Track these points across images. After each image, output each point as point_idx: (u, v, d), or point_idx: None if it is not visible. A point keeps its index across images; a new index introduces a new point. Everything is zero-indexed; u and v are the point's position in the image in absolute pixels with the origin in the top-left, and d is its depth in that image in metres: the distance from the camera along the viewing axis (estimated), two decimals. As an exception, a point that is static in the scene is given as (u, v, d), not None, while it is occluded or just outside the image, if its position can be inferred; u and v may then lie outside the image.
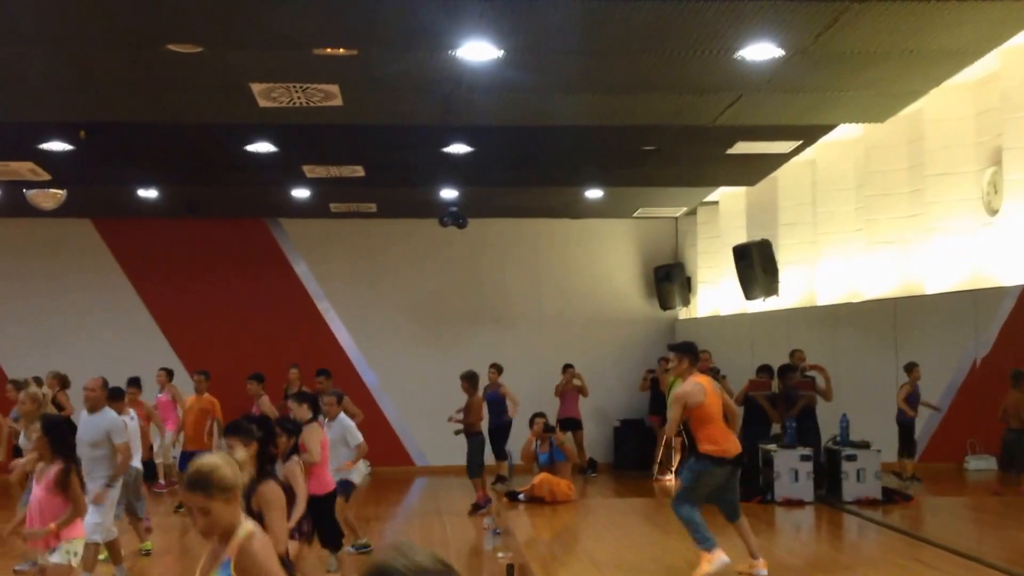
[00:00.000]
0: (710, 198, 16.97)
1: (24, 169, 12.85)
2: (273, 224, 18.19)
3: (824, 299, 14.45)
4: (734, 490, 8.75)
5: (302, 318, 18.08)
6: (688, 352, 8.76)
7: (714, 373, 12.58)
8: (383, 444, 17.62)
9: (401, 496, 16.06)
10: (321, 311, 18.22)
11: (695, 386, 8.53)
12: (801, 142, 12.66)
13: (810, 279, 14.77)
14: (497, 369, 15.33)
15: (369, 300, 18.19)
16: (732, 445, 8.62)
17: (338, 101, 9.96)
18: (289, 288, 18.18)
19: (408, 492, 16.47)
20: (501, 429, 14.88)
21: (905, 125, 12.56)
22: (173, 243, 17.87)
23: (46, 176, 13.19)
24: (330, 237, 18.10)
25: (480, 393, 13.33)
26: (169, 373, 15.01)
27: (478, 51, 8.61)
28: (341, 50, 8.61)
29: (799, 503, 11.96)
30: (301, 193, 15.24)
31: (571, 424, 15.95)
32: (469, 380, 12.96)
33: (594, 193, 15.77)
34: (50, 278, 17.63)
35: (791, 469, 12.07)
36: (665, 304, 18.43)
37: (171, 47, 8.40)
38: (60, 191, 13.90)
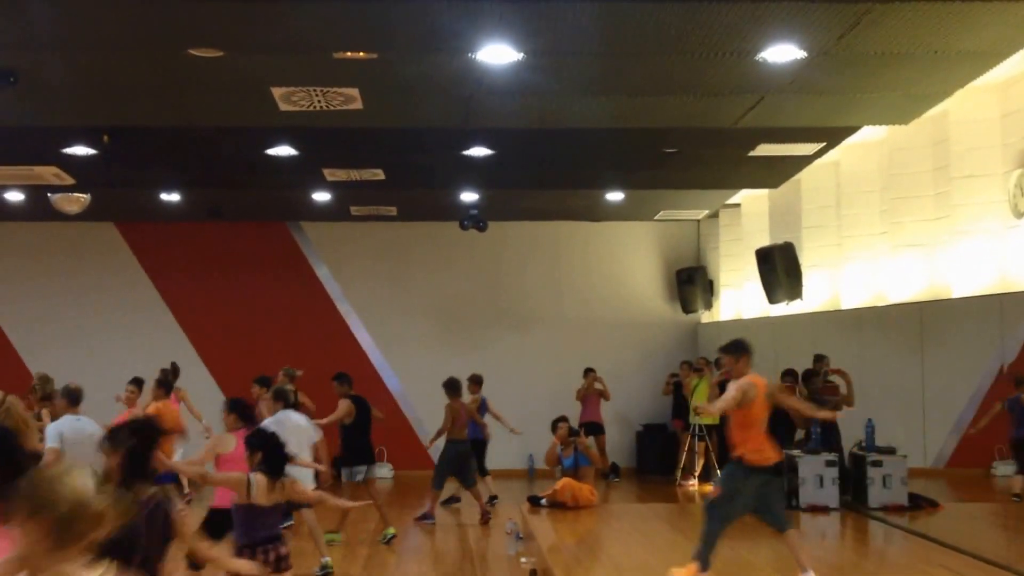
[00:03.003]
0: (732, 200, 16.88)
1: (48, 173, 12.91)
2: (294, 227, 18.23)
3: (848, 303, 14.34)
4: (779, 500, 8.36)
5: (323, 321, 18.11)
6: (739, 351, 8.16)
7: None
8: (405, 447, 17.65)
9: (424, 499, 16.01)
10: (342, 314, 18.25)
11: (751, 385, 7.99)
12: (824, 144, 12.57)
13: (834, 282, 14.66)
14: (475, 382, 15.02)
15: (390, 303, 18.19)
16: (772, 452, 8.23)
17: (358, 104, 9.95)
18: (310, 291, 18.21)
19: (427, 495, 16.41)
20: (478, 443, 14.54)
21: (930, 127, 12.44)
22: (195, 246, 17.93)
23: (70, 180, 13.25)
24: (351, 240, 18.12)
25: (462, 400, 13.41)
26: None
27: (498, 54, 8.58)
28: (361, 54, 8.60)
29: (824, 509, 11.85)
30: (322, 196, 15.26)
31: (593, 428, 15.89)
32: (449, 387, 13.20)
33: (615, 196, 15.72)
34: (74, 281, 17.73)
35: (816, 475, 11.97)
36: (687, 307, 18.35)
37: (193, 52, 8.41)
38: (84, 195, 13.98)
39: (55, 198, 13.94)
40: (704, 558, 7.99)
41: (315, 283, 18.29)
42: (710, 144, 12.24)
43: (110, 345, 17.34)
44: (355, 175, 13.65)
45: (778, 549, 8.60)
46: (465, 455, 13.15)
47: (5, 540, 5.64)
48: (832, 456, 12.12)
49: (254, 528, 6.50)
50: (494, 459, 15.07)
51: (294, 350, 17.08)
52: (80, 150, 11.67)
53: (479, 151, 12.26)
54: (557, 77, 9.31)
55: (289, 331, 17.81)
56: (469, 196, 15.28)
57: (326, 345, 17.67)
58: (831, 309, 14.64)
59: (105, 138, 11.17)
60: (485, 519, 12.92)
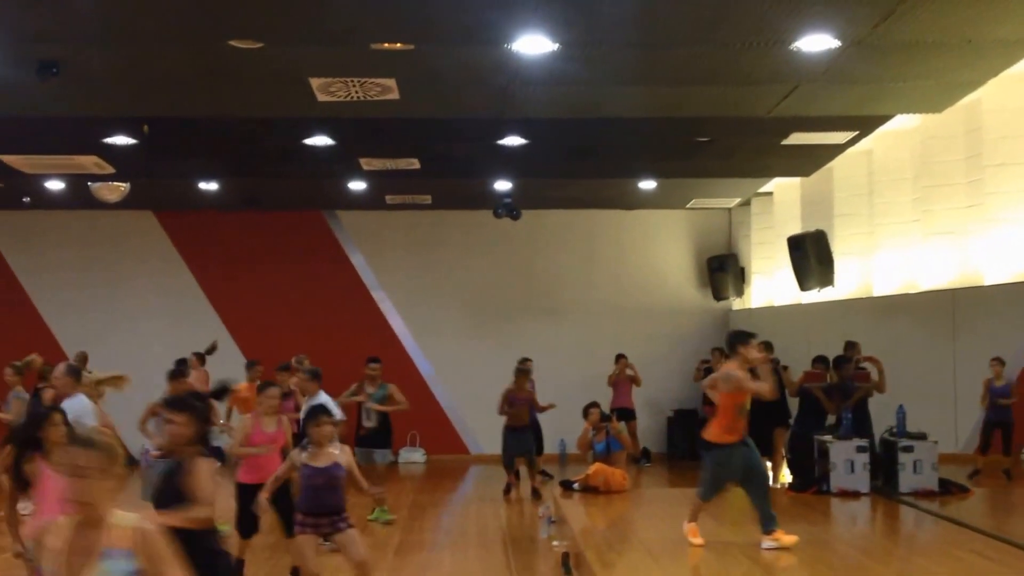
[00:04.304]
0: (764, 189, 16.89)
1: (89, 162, 13.12)
2: (330, 216, 18.41)
3: (880, 290, 14.35)
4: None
5: (357, 308, 18.28)
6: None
7: (774, 364, 12.53)
8: (438, 432, 17.85)
9: (456, 483, 16.21)
10: (376, 301, 18.42)
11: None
12: (857, 133, 12.57)
13: (866, 270, 14.67)
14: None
15: (424, 291, 18.35)
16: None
17: (395, 95, 10.06)
18: (345, 279, 18.39)
19: (463, 480, 16.62)
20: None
21: (963, 115, 12.42)
22: (233, 235, 18.13)
23: (110, 169, 13.45)
24: (386, 229, 18.27)
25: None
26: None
27: (533, 44, 8.66)
28: (398, 45, 8.71)
29: (855, 494, 11.90)
30: (357, 185, 15.41)
31: (624, 414, 15.97)
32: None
33: (648, 184, 15.78)
34: (113, 269, 17.98)
35: (847, 460, 12.01)
36: (718, 295, 18.40)
37: (232, 43, 8.53)
38: (123, 184, 14.19)
39: (95, 187, 14.15)
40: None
41: (350, 271, 18.47)
42: (743, 133, 12.26)
43: (148, 333, 17.58)
44: (391, 164, 13.78)
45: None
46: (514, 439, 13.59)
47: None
48: (863, 441, 12.16)
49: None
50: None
51: (329, 337, 17.30)
52: (120, 140, 11.86)
53: (514, 140, 12.35)
54: (592, 67, 9.36)
55: (324, 318, 17.99)
56: (503, 185, 15.39)
57: (360, 332, 17.84)
58: (863, 296, 14.66)
59: (145, 128, 11.34)
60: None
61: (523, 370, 14.20)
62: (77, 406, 8.43)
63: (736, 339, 8.84)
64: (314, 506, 7.14)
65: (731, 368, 8.68)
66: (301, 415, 9.97)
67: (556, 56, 8.93)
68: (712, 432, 8.80)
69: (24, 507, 7.57)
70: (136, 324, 17.70)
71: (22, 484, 6.30)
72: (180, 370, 11.02)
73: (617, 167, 14.51)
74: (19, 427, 6.70)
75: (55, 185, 14.80)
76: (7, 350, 16.75)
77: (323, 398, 9.98)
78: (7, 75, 9.10)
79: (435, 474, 16.15)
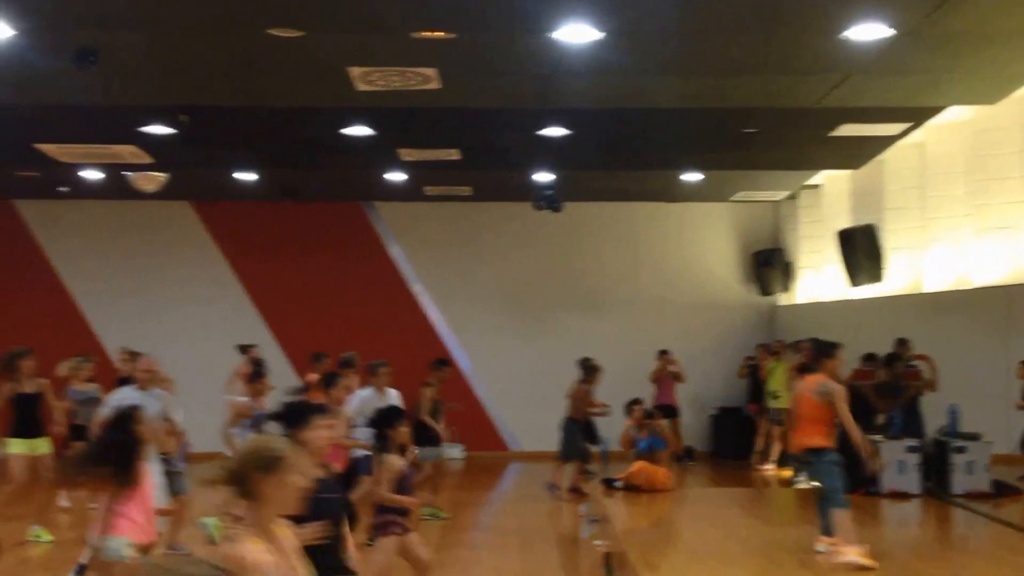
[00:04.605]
0: (812, 181, 16.59)
1: (127, 152, 13.08)
2: (368, 207, 18.28)
3: (932, 286, 14.01)
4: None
5: (395, 301, 18.16)
6: None
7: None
8: (476, 428, 17.68)
9: (495, 481, 16.06)
10: (414, 294, 18.28)
11: None
12: (909, 124, 12.31)
13: (917, 265, 14.33)
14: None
15: (463, 284, 18.19)
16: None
17: (435, 84, 9.93)
18: (383, 271, 18.26)
19: (502, 477, 16.47)
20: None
21: (1018, 107, 12.06)
22: (270, 226, 18.06)
23: (148, 159, 13.40)
24: (424, 220, 18.13)
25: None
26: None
27: (577, 33, 8.50)
28: (440, 33, 8.56)
29: (905, 495, 11.63)
30: (396, 176, 15.27)
31: (667, 411, 15.74)
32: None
33: (692, 176, 15.52)
34: (150, 259, 17.95)
35: (897, 460, 11.74)
36: (764, 290, 18.10)
37: (271, 31, 8.43)
38: (161, 174, 14.15)
39: (133, 177, 14.13)
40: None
41: (388, 263, 18.35)
42: (791, 124, 12.04)
43: (185, 323, 17.56)
44: (430, 155, 13.64)
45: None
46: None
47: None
48: (914, 441, 11.89)
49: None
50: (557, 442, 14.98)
51: (366, 330, 17.18)
52: (158, 129, 11.78)
53: (555, 131, 12.16)
54: (636, 56, 9.22)
55: (362, 311, 17.88)
56: (544, 176, 15.19)
57: (398, 325, 17.72)
58: (913, 292, 14.32)
59: (183, 118, 11.26)
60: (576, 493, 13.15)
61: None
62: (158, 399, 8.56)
63: (822, 352, 8.76)
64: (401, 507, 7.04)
65: (824, 380, 8.69)
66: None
67: (600, 45, 8.79)
68: (816, 439, 8.61)
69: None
70: (172, 315, 17.66)
71: (125, 480, 6.40)
72: (259, 372, 10.97)
73: (661, 159, 14.29)
74: (115, 424, 6.73)
75: (92, 175, 14.78)
76: (44, 340, 16.84)
77: (396, 398, 10.05)
78: (45, 64, 9.05)
79: (474, 471, 16.00)
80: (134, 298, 17.76)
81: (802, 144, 13.17)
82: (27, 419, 10.40)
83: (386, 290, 18.19)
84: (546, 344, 17.76)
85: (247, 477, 3.43)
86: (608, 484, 12.32)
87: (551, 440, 13.99)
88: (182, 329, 17.34)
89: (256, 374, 10.66)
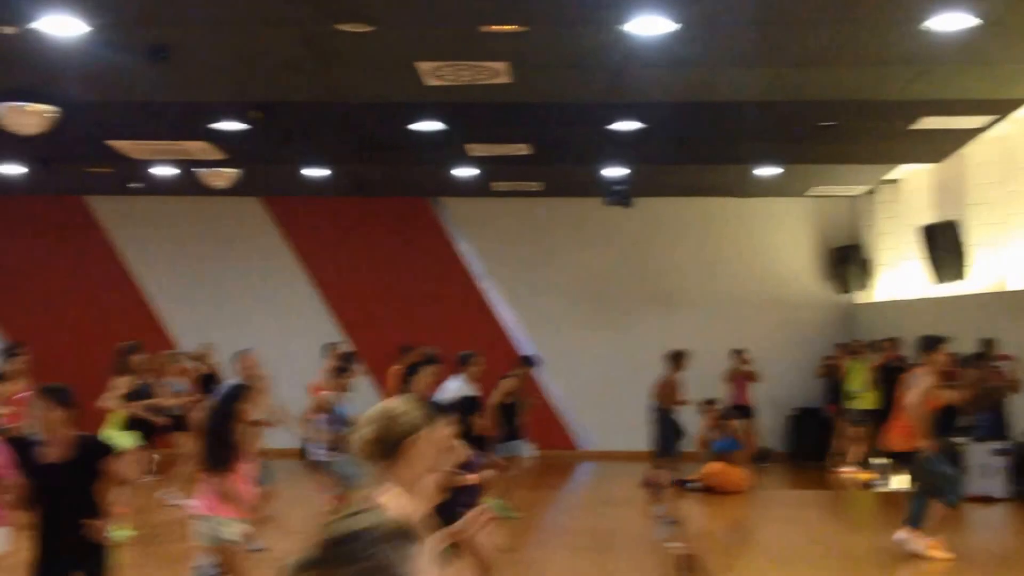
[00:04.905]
0: (892, 176, 16.16)
1: (198, 148, 13.13)
2: (436, 203, 18.21)
3: (1017, 284, 13.54)
4: None
5: (464, 297, 18.07)
6: None
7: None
8: (547, 427, 17.49)
9: (566, 481, 15.88)
10: (483, 290, 18.17)
11: None
12: (993, 117, 11.92)
13: (1001, 262, 13.86)
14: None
15: (532, 280, 18.03)
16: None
17: (506, 78, 9.79)
18: (451, 267, 18.18)
19: (573, 477, 16.29)
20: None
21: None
22: (338, 221, 18.07)
23: (219, 155, 13.45)
24: (493, 216, 18.00)
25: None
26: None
27: (650, 25, 8.31)
28: (510, 27, 8.42)
29: (991, 500, 11.25)
30: (464, 172, 15.17)
31: (742, 411, 15.45)
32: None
33: (767, 171, 15.19)
34: (220, 255, 18.06)
35: (983, 464, 11.36)
36: (841, 287, 17.67)
37: (341, 27, 8.36)
38: (232, 170, 14.20)
39: (203, 173, 14.21)
40: None
41: (456, 259, 18.26)
42: (870, 117, 11.72)
43: (253, 317, 17.63)
44: (499, 150, 13.51)
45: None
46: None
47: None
48: (1000, 444, 11.50)
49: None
50: (644, 441, 14.75)
51: (435, 326, 17.10)
52: (229, 125, 11.80)
53: (627, 125, 11.96)
54: (712, 48, 9.03)
55: (430, 306, 17.81)
56: (615, 171, 14.97)
57: (466, 321, 17.62)
58: (997, 290, 13.86)
59: (254, 114, 11.26)
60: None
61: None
62: None
63: (926, 346, 8.63)
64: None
65: (920, 372, 8.57)
66: None
67: (674, 37, 8.61)
68: (921, 441, 8.36)
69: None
70: (241, 309, 17.76)
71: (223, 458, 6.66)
72: (345, 367, 11.09)
73: (735, 153, 14.01)
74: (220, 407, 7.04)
75: (164, 171, 14.88)
76: (116, 334, 17.03)
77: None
78: (118, 61, 9.06)
79: (544, 469, 15.80)
80: (204, 293, 17.88)
81: (882, 137, 12.82)
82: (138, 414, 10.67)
83: (454, 286, 18.10)
84: (617, 342, 17.54)
85: (390, 440, 3.45)
86: (682, 485, 12.08)
87: (622, 439, 13.82)
88: (251, 323, 17.40)
89: (342, 369, 10.74)
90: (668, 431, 13.15)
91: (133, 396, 10.72)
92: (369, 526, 1.80)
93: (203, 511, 6.72)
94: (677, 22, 8.25)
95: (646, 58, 9.24)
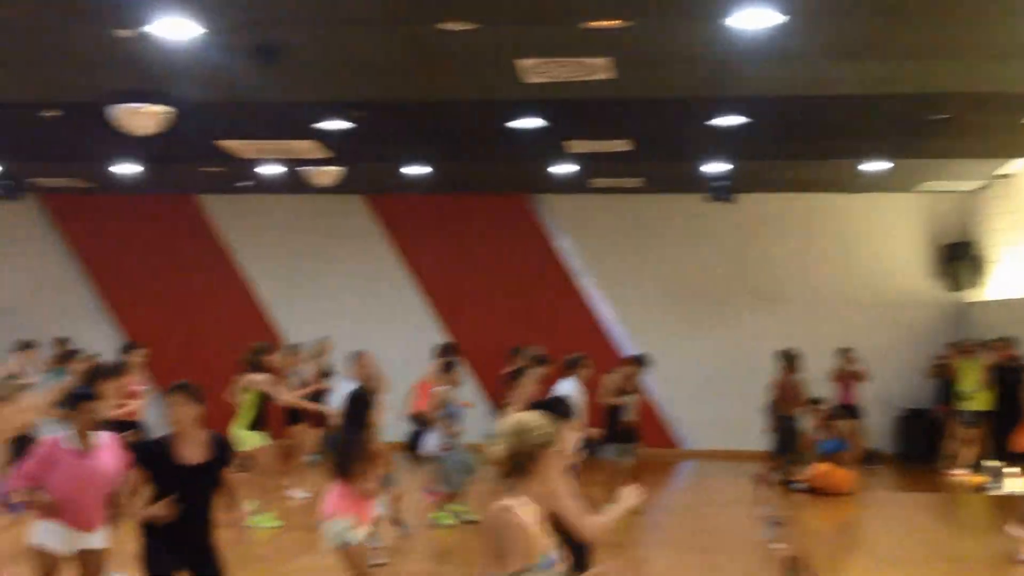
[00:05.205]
0: (1006, 170, 15.66)
1: (304, 148, 13.34)
2: (535, 200, 18.21)
3: None
4: None
5: (562, 294, 18.03)
6: None
7: (1015, 362, 11.56)
8: (645, 425, 17.37)
9: (668, 479, 15.76)
10: (582, 287, 18.13)
11: None
12: (1121, 109, 11.43)
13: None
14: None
15: (632, 276, 17.92)
16: None
17: (608, 74, 9.72)
18: (549, 264, 18.16)
19: (673, 476, 16.15)
20: None
21: None
22: (437, 218, 18.18)
23: (325, 154, 13.65)
24: (592, 213, 17.93)
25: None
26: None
27: (756, 18, 8.15)
28: (613, 22, 8.36)
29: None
30: (564, 168, 15.13)
31: (849, 411, 15.14)
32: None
33: (874, 166, 14.84)
34: (324, 251, 18.29)
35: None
36: (953, 285, 17.18)
37: (443, 25, 8.39)
38: (336, 168, 14.41)
39: (309, 171, 14.44)
40: None
41: (554, 256, 18.24)
42: (985, 110, 11.35)
43: (356, 313, 17.83)
44: (599, 146, 13.44)
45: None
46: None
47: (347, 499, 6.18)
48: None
49: None
50: (746, 440, 14.62)
51: (533, 323, 17.13)
52: (333, 124, 11.96)
53: (731, 120, 11.79)
54: (821, 40, 8.83)
55: (528, 303, 17.83)
56: (717, 167, 14.80)
57: (565, 318, 17.59)
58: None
59: (357, 113, 11.39)
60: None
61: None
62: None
63: None
64: None
65: None
66: None
67: (780, 30, 8.42)
68: None
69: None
70: (345, 305, 17.98)
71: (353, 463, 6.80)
72: (453, 364, 11.33)
73: (842, 148, 13.72)
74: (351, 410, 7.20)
75: (271, 169, 15.16)
76: (226, 329, 17.46)
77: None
78: (229, 62, 9.24)
79: (644, 469, 15.70)
80: (309, 289, 18.17)
81: (998, 131, 12.42)
82: (264, 411, 10.97)
83: (552, 283, 18.08)
84: (718, 340, 17.34)
85: (526, 454, 3.64)
86: (788, 486, 11.89)
87: (723, 438, 13.65)
88: (352, 319, 17.62)
89: (449, 365, 10.89)
90: (785, 434, 12.98)
91: (264, 395, 11.00)
92: None
93: (331, 514, 6.81)
94: (784, 14, 8.10)
95: (751, 52, 9.06)
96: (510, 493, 3.68)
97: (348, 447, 6.90)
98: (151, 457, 5.86)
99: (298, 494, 12.15)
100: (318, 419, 12.54)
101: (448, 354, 12.70)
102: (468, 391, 14.34)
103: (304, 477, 12.67)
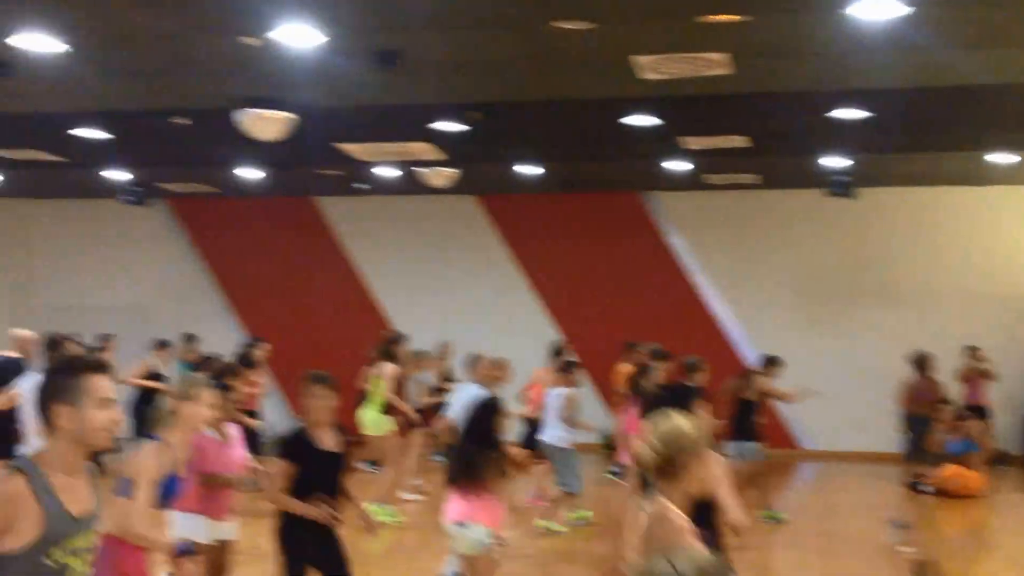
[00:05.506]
0: None
1: (420, 149, 13.49)
2: (648, 197, 18.09)
3: None
4: None
5: (676, 293, 17.88)
6: None
7: None
8: (768, 425, 17.09)
9: (790, 480, 15.50)
10: (696, 286, 17.94)
11: None
12: None
13: None
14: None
15: (748, 274, 17.67)
16: None
17: (725, 69, 9.60)
18: (663, 262, 18.02)
19: (795, 477, 15.89)
20: None
21: None
22: (550, 217, 18.19)
23: (440, 156, 13.78)
24: (706, 210, 17.73)
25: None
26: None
27: (879, 8, 7.96)
28: (730, 16, 8.26)
29: None
30: (678, 165, 15.00)
31: (978, 412, 14.68)
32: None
33: (1002, 158, 14.37)
34: (439, 252, 18.49)
35: None
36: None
37: (559, 24, 8.40)
38: (452, 170, 14.55)
39: (424, 173, 14.60)
40: None
41: (667, 254, 18.09)
42: (1125, 97, 10.87)
43: (470, 313, 17.97)
44: (715, 142, 13.29)
45: None
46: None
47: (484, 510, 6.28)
48: None
49: None
50: (866, 441, 14.29)
51: (647, 322, 17.01)
52: (450, 126, 12.07)
53: (851, 113, 11.53)
54: (949, 30, 8.54)
55: (641, 302, 17.71)
56: (836, 161, 14.50)
57: (678, 317, 17.43)
58: None
59: (473, 114, 11.47)
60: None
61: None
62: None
63: None
64: None
65: None
66: None
67: (904, 20, 8.17)
68: None
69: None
70: (459, 305, 18.13)
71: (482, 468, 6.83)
72: (571, 364, 11.44)
73: (968, 140, 13.29)
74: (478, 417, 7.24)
75: (387, 171, 15.36)
76: (344, 329, 17.78)
77: None
78: (348, 67, 9.39)
79: (767, 469, 15.49)
80: (425, 289, 18.38)
81: None
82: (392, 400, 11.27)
83: (666, 281, 17.94)
84: (838, 338, 16.99)
85: (675, 459, 3.73)
86: (915, 488, 11.60)
87: (844, 439, 13.38)
88: (467, 319, 17.77)
89: (568, 365, 10.95)
90: (918, 436, 12.69)
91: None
92: (686, 569, 1.78)
93: (464, 519, 6.82)
94: (909, 5, 7.89)
95: (873, 43, 8.84)
96: (661, 495, 3.75)
97: (477, 455, 6.87)
98: (298, 447, 6.05)
99: (412, 496, 12.29)
100: (429, 420, 12.73)
101: (563, 355, 12.71)
102: (584, 391, 14.32)
103: (420, 477, 12.78)
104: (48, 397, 3.35)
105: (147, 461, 5.33)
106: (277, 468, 6.05)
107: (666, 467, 3.74)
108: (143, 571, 5.25)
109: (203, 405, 5.67)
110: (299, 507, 5.89)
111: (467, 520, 6.76)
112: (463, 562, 6.94)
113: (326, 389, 6.04)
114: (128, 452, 5.57)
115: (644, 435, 3.87)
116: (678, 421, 3.87)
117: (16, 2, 7.96)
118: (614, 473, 12.54)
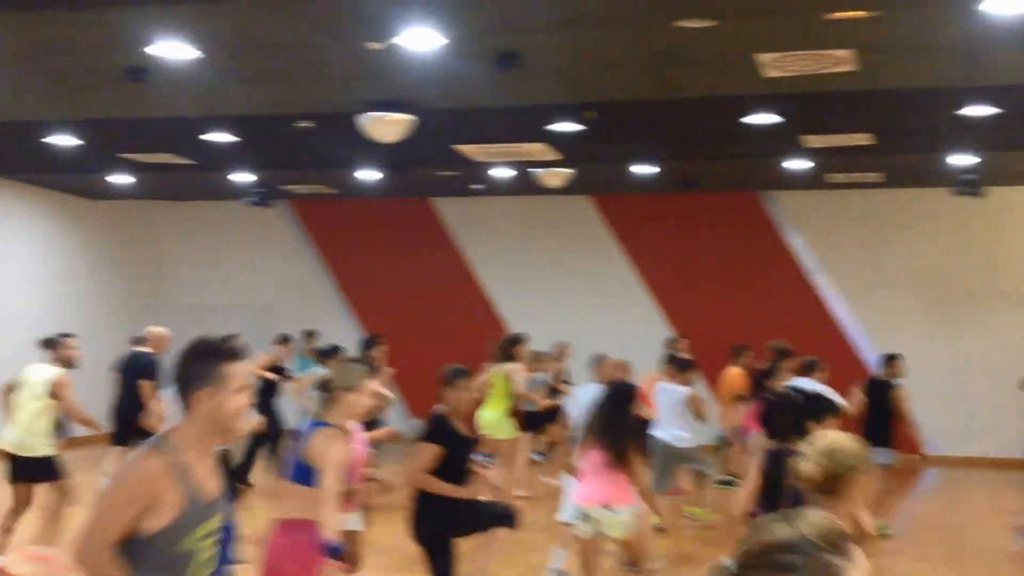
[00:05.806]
0: None
1: (536, 150, 13.55)
2: (766, 197, 17.85)
3: None
4: None
5: (796, 293, 17.59)
6: None
7: None
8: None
9: (914, 487, 15.14)
10: (816, 286, 17.63)
11: None
12: None
13: None
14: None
15: (871, 275, 17.29)
16: None
17: (849, 66, 9.44)
18: (782, 262, 17.75)
19: (917, 483, 15.50)
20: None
21: None
22: (666, 217, 18.08)
23: (556, 156, 13.82)
24: (828, 209, 17.40)
25: None
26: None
27: (1012, 3, 7.73)
28: (857, 13, 8.12)
29: None
30: (798, 164, 14.77)
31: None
32: None
33: None
34: (553, 252, 18.53)
35: None
36: None
37: (680, 23, 8.36)
38: (567, 170, 14.58)
39: (539, 173, 14.66)
40: None
41: (787, 254, 17.82)
42: None
43: (585, 312, 17.97)
44: (837, 140, 13.05)
45: None
46: None
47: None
48: None
49: None
50: (994, 447, 13.87)
51: (765, 322, 16.76)
52: (566, 126, 12.09)
53: (980, 110, 11.22)
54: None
55: (760, 303, 17.48)
56: (963, 159, 14.10)
57: (798, 318, 17.13)
58: None
59: (590, 114, 11.47)
60: None
61: None
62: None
63: None
64: None
65: None
66: None
67: (1039, 11, 7.92)
68: None
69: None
70: (573, 305, 18.16)
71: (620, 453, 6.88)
72: (685, 362, 11.46)
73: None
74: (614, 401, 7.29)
75: (502, 172, 15.47)
76: (459, 328, 17.94)
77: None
78: (467, 70, 9.50)
79: (890, 475, 15.16)
80: (539, 289, 18.44)
81: None
82: (513, 403, 11.44)
83: (785, 282, 17.67)
84: (965, 341, 16.52)
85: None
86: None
87: (972, 445, 13.02)
88: (582, 318, 17.78)
89: (683, 363, 10.94)
90: None
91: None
92: (809, 532, 1.76)
93: (607, 501, 6.85)
94: (1043, -4, 7.66)
95: (1004, 38, 8.62)
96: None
97: (623, 437, 6.87)
98: (444, 432, 6.51)
99: (521, 492, 12.35)
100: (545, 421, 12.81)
101: (677, 353, 12.62)
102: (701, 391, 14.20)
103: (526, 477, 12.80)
104: (190, 381, 3.44)
105: (331, 447, 5.30)
106: (424, 451, 6.39)
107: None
108: (313, 559, 5.26)
109: (365, 395, 5.71)
110: (447, 488, 6.32)
111: (613, 503, 6.80)
112: (618, 544, 7.05)
113: (466, 382, 6.58)
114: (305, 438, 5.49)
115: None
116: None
117: (155, 13, 8.27)
118: (725, 483, 12.36)
